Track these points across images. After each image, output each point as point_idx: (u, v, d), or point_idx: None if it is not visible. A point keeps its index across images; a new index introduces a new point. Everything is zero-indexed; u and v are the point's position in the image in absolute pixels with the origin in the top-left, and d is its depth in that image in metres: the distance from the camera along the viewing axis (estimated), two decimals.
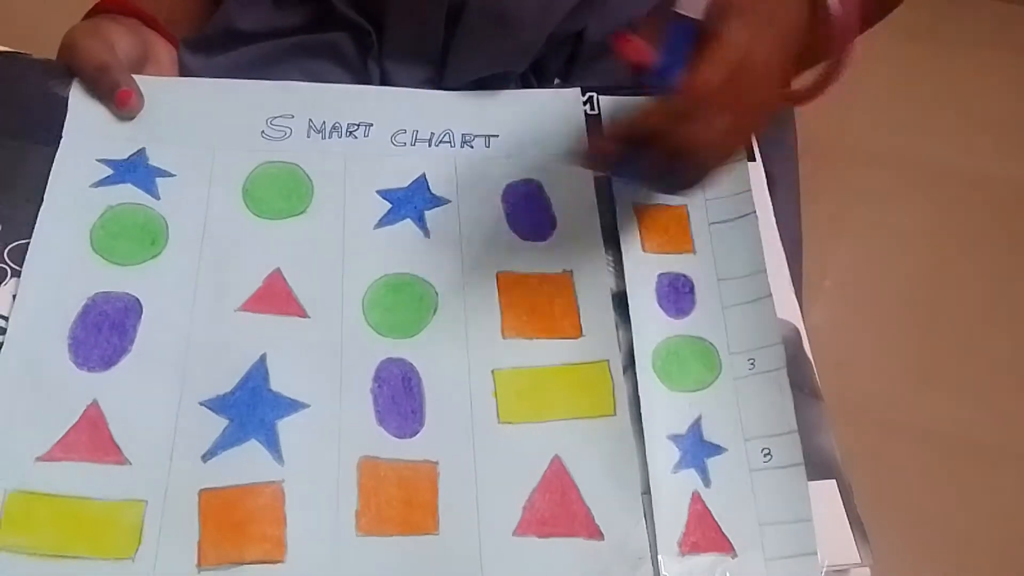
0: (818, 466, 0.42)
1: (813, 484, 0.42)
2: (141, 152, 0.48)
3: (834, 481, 0.42)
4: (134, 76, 0.49)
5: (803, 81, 0.44)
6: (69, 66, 0.50)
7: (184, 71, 0.55)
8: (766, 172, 0.52)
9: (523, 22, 0.50)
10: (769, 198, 0.50)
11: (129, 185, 0.46)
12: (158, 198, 0.46)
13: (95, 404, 0.40)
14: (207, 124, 0.49)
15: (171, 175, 0.47)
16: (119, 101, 0.48)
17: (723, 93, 0.36)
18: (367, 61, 0.54)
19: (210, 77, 0.53)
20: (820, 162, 0.61)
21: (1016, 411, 1.11)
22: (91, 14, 0.53)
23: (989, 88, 1.38)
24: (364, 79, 0.54)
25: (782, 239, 0.50)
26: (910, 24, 1.47)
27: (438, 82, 0.54)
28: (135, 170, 0.47)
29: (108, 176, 0.47)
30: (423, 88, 0.53)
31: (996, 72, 1.38)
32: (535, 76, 0.55)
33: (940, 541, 1.01)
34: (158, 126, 0.49)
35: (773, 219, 0.49)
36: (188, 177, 0.47)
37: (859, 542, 0.41)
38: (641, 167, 0.40)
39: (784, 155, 0.59)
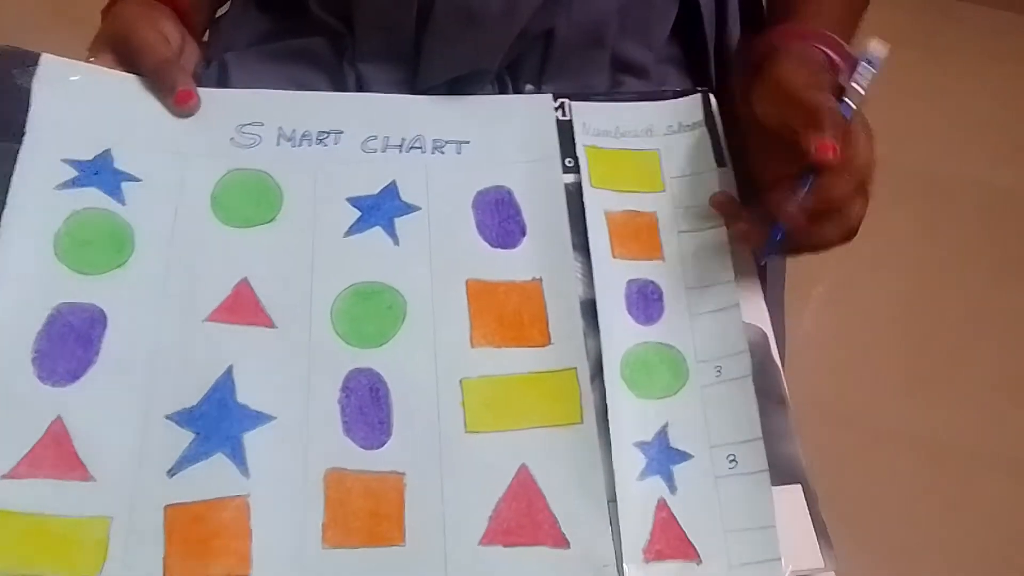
0: (783, 472, 0.43)
1: (778, 489, 0.42)
2: (107, 153, 0.47)
3: (799, 486, 0.43)
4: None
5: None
6: (124, 53, 0.49)
7: None
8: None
9: (490, 19, 0.50)
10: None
11: (95, 189, 0.46)
12: (124, 203, 0.46)
13: (60, 420, 0.40)
14: (175, 129, 0.49)
15: (137, 179, 0.47)
16: (180, 99, 0.48)
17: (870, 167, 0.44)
18: (343, 64, 0.54)
19: (199, 86, 0.53)
20: None
21: (1006, 418, 1.11)
22: None
23: (980, 95, 1.37)
24: (341, 82, 0.54)
25: None
26: (901, 31, 1.46)
27: (412, 83, 0.54)
28: (101, 173, 0.46)
29: (73, 178, 0.46)
30: (397, 90, 0.53)
31: (987, 79, 1.38)
32: (510, 77, 0.55)
33: (928, 546, 1.02)
34: (125, 127, 0.48)
35: None
36: (155, 183, 0.47)
37: (823, 547, 0.41)
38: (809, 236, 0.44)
39: None
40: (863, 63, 0.45)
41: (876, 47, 0.46)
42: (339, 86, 0.54)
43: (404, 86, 0.54)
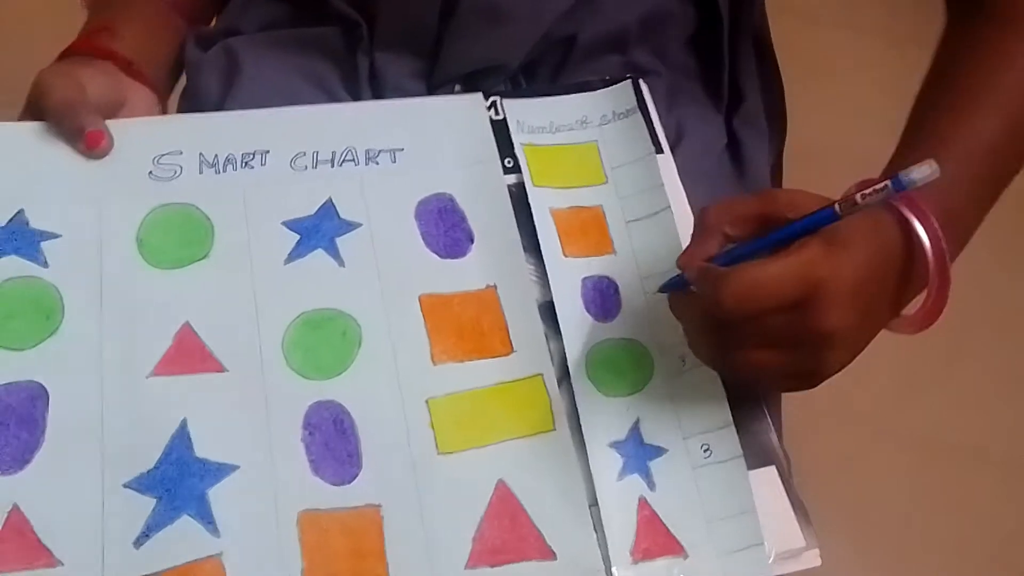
0: (756, 454, 0.43)
1: (753, 473, 0.43)
2: (20, 214, 0.44)
3: (773, 467, 0.43)
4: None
5: (909, 310, 0.42)
6: (37, 108, 0.46)
7: (187, 66, 0.54)
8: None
9: (515, 20, 0.51)
10: (683, 191, 0.49)
11: (13, 256, 0.43)
12: (46, 265, 0.43)
13: (16, 509, 0.38)
14: (89, 172, 0.46)
15: (56, 236, 0.44)
16: (89, 141, 0.45)
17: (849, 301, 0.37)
18: (356, 54, 0.53)
19: (205, 73, 0.52)
20: (808, 168, 0.61)
21: (1002, 416, 1.14)
22: (63, 56, 0.50)
23: None
24: (352, 73, 0.53)
25: None
26: (903, 33, 1.46)
27: (428, 75, 0.53)
28: (17, 237, 0.44)
29: None
30: (413, 82, 0.52)
31: None
32: (524, 76, 0.54)
33: (925, 544, 1.04)
34: (36, 181, 0.45)
35: (690, 211, 0.49)
36: (75, 236, 0.44)
37: (803, 525, 0.42)
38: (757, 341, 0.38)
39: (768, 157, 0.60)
40: (892, 182, 0.36)
41: (923, 170, 0.35)
42: (350, 76, 0.53)
43: (420, 78, 0.53)
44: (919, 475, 1.09)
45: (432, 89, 0.54)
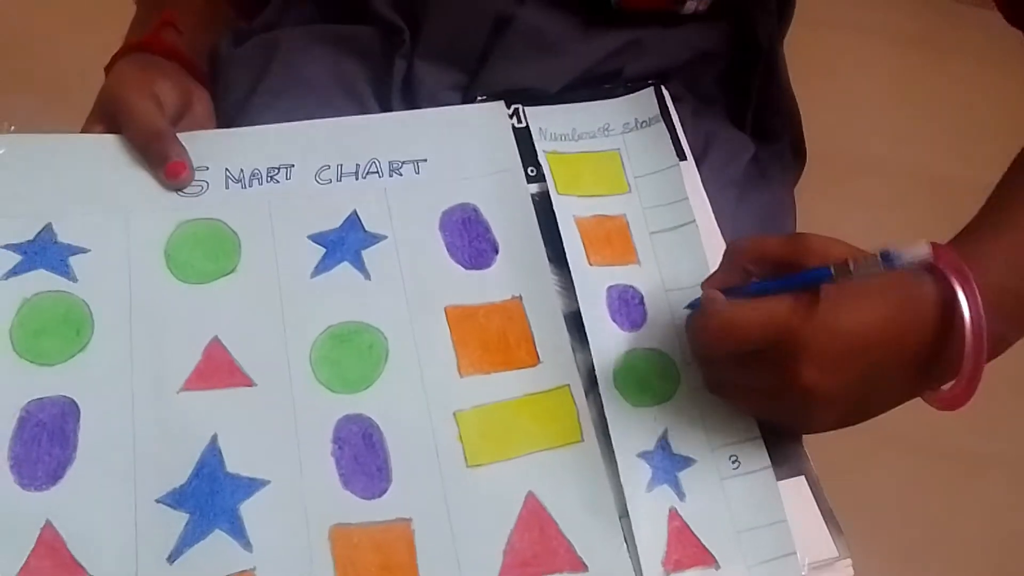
0: (785, 465, 0.43)
1: (782, 483, 0.42)
2: (48, 229, 0.45)
3: (803, 477, 0.43)
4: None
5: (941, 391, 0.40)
6: (114, 121, 0.47)
7: (218, 61, 0.54)
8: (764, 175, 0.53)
9: (565, 52, 0.51)
10: (707, 200, 0.49)
11: (42, 271, 0.43)
12: (75, 280, 0.43)
13: (49, 525, 0.38)
14: (116, 185, 0.46)
15: (85, 251, 0.44)
16: (170, 172, 0.46)
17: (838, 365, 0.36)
18: (394, 58, 0.53)
19: (235, 67, 0.52)
20: (815, 169, 0.62)
21: (1005, 418, 1.12)
22: (129, 50, 0.50)
23: (981, 96, 1.37)
24: (384, 76, 0.53)
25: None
26: (905, 33, 1.45)
27: (466, 87, 0.53)
28: (45, 251, 0.44)
29: (17, 264, 0.43)
30: (450, 92, 0.52)
31: (988, 80, 1.38)
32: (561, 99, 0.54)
33: (929, 546, 1.03)
34: (63, 195, 0.46)
35: (715, 223, 0.48)
36: (103, 250, 0.44)
37: (834, 536, 0.41)
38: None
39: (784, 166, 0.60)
40: (883, 256, 0.36)
41: (918, 251, 0.35)
42: (382, 79, 0.53)
43: (457, 90, 0.53)
44: (921, 480, 1.08)
45: (466, 101, 0.53)
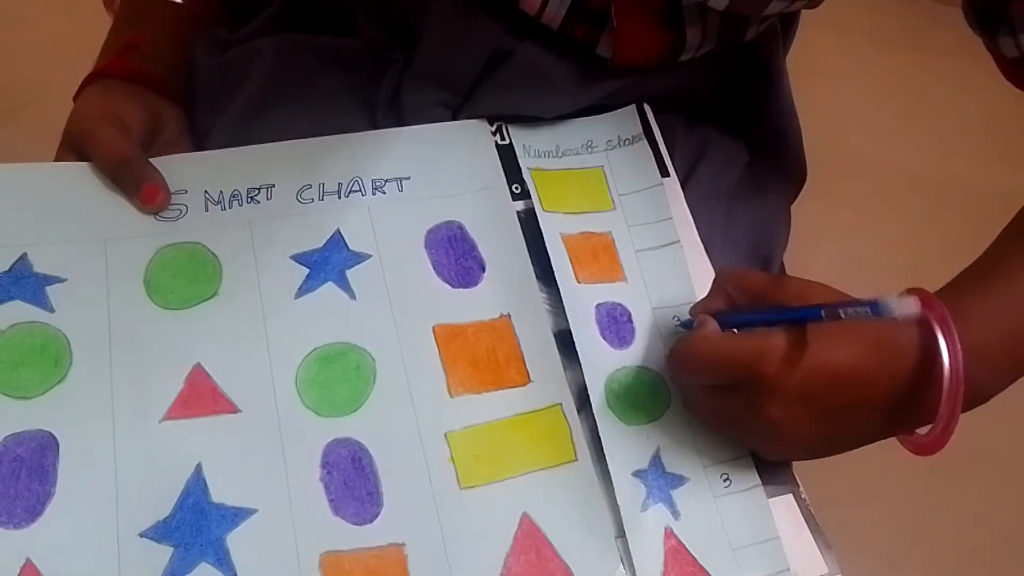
0: (774, 483, 0.43)
1: (771, 501, 0.42)
2: (23, 259, 0.43)
3: (791, 495, 0.43)
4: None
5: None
6: (82, 151, 0.46)
7: (196, 70, 0.53)
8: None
9: (562, 89, 0.50)
10: (691, 217, 0.49)
11: (18, 302, 0.42)
12: (52, 310, 0.42)
13: (29, 563, 0.36)
14: (93, 213, 0.45)
15: (61, 280, 0.43)
16: (145, 197, 0.45)
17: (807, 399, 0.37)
18: (383, 74, 0.52)
19: (215, 76, 0.51)
20: None
21: (997, 417, 1.14)
22: (94, 77, 0.49)
23: (967, 95, 1.38)
24: (373, 90, 0.52)
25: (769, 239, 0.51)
26: (889, 33, 1.47)
27: (456, 108, 0.52)
28: (20, 282, 0.42)
29: None
30: (439, 110, 0.51)
31: (972, 81, 1.40)
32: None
33: (920, 546, 1.04)
34: (38, 224, 0.44)
35: (699, 242, 0.48)
36: (80, 279, 0.43)
37: (823, 551, 0.41)
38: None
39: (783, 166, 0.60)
40: (872, 308, 0.36)
41: (907, 306, 0.36)
42: (369, 93, 0.52)
43: (445, 109, 0.52)
44: (914, 477, 1.08)
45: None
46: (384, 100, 0.52)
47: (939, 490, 1.08)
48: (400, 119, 0.52)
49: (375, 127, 0.51)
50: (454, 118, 0.52)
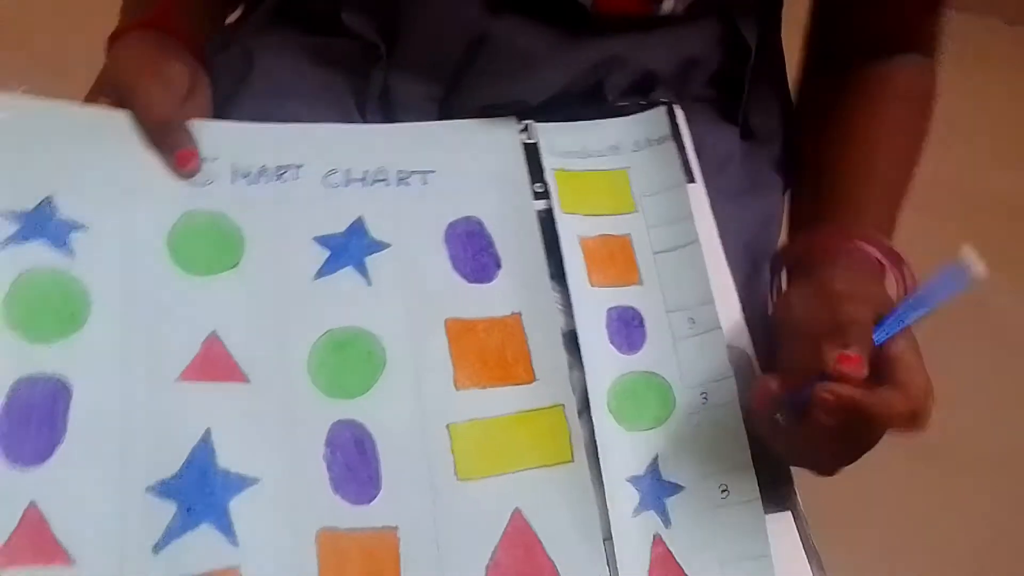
0: (773, 499, 0.43)
1: (769, 517, 0.43)
2: (49, 201, 0.43)
3: (789, 513, 0.43)
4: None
5: None
6: (122, 100, 0.46)
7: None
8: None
9: (544, 66, 0.51)
10: (714, 223, 0.49)
11: (40, 242, 0.42)
12: (73, 257, 0.42)
13: (34, 505, 0.37)
14: (123, 165, 0.45)
15: (84, 227, 0.43)
16: (180, 161, 0.46)
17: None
18: (371, 70, 0.53)
19: (215, 73, 0.51)
20: None
21: (997, 419, 1.14)
22: (137, 26, 0.49)
23: (964, 100, 1.38)
24: (363, 87, 0.53)
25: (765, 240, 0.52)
26: None
27: (443, 100, 0.52)
28: (45, 224, 0.42)
29: (15, 233, 0.42)
30: (426, 105, 0.52)
31: (971, 84, 1.39)
32: (543, 114, 0.53)
33: (917, 546, 1.03)
34: (67, 168, 0.44)
35: (719, 244, 0.49)
36: (103, 228, 0.43)
37: (815, 573, 0.42)
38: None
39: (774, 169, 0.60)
40: (944, 278, 0.37)
41: (971, 262, 0.36)
42: (361, 90, 0.53)
43: (433, 103, 0.52)
44: (912, 477, 1.08)
45: (445, 114, 0.53)
46: (374, 96, 0.53)
47: (942, 502, 1.07)
48: (391, 115, 0.53)
49: None
50: (441, 110, 0.53)
